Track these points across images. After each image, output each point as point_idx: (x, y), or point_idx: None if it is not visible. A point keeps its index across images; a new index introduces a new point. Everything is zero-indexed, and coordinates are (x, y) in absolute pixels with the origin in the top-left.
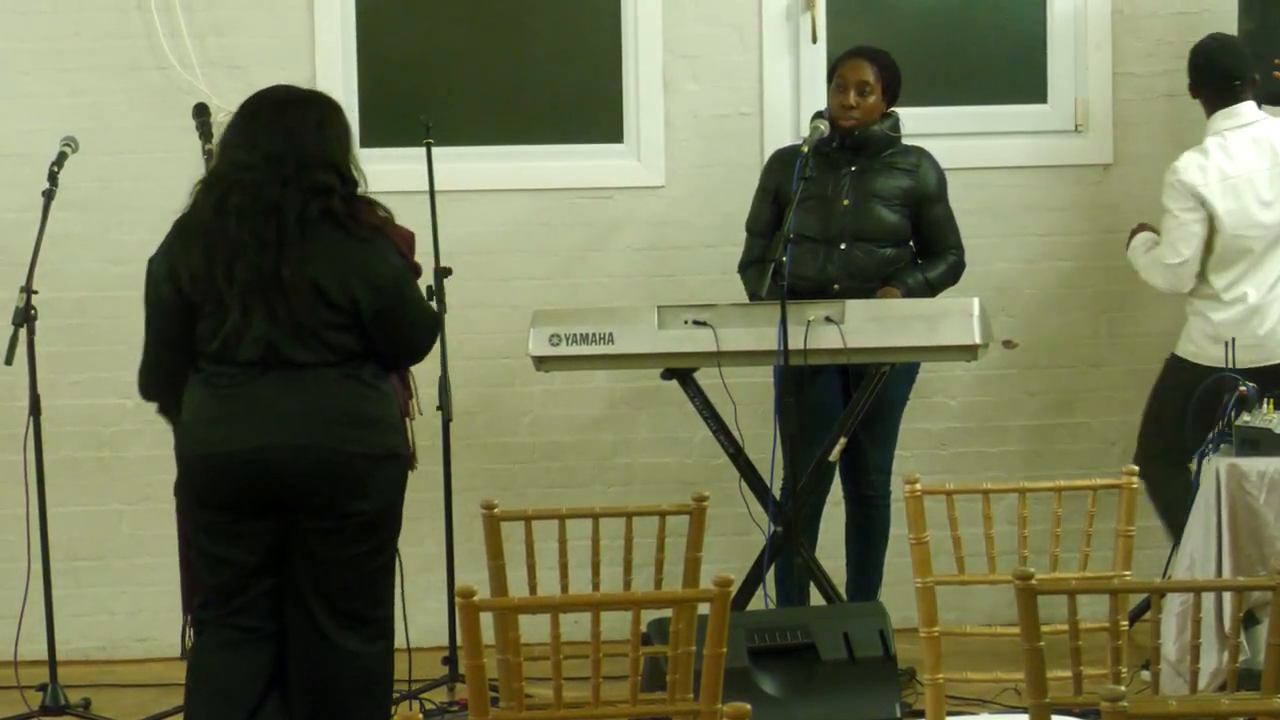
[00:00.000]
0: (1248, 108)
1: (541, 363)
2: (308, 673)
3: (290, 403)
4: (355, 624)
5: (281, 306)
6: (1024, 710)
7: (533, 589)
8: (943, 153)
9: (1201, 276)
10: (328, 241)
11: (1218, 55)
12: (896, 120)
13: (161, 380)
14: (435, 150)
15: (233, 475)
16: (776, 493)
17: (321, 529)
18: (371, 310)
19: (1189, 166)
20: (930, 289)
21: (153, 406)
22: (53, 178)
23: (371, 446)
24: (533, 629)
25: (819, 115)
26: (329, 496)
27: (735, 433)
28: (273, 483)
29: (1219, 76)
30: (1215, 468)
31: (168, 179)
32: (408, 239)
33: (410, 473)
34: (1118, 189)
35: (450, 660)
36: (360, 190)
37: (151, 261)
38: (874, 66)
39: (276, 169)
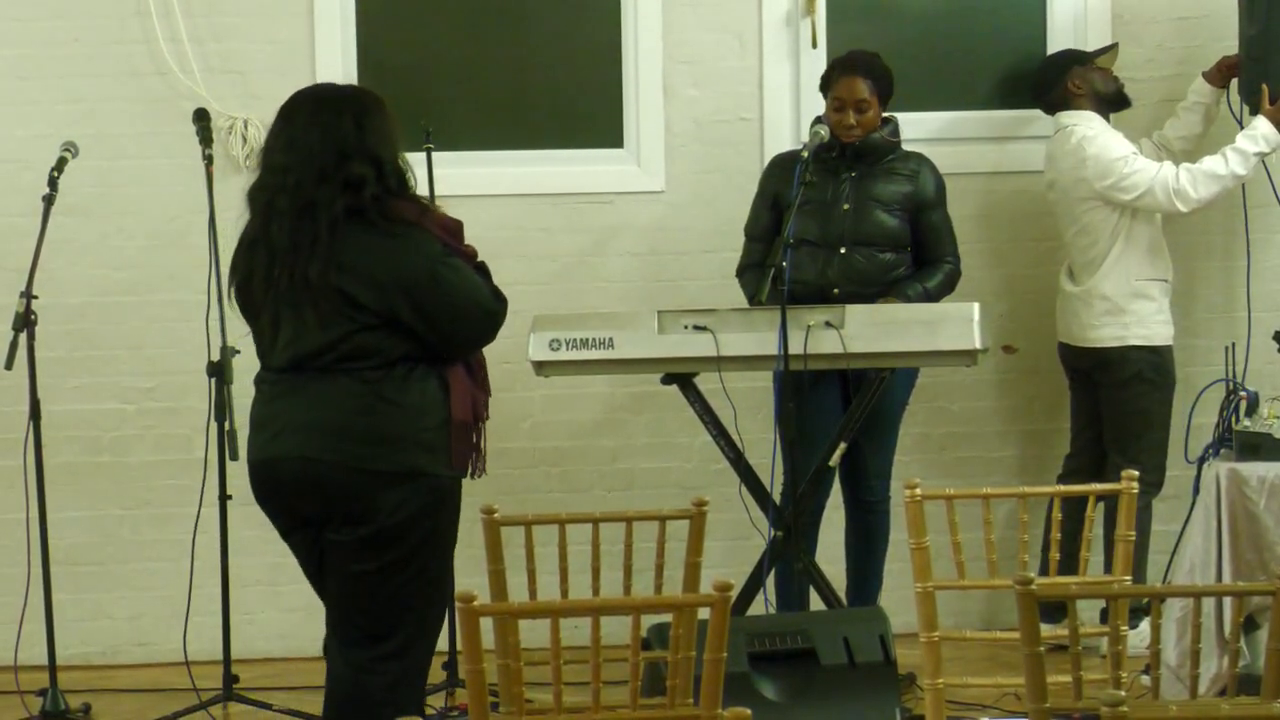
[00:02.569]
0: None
1: (541, 368)
2: (328, 680)
3: (303, 414)
4: (363, 641)
5: (310, 311)
6: (1024, 715)
7: (533, 594)
8: (943, 157)
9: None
10: (355, 241)
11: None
12: (896, 126)
13: None
14: (435, 155)
15: (260, 483)
16: (776, 497)
17: (334, 541)
18: (408, 308)
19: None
20: (929, 299)
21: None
22: (53, 183)
23: (382, 463)
24: (533, 634)
25: (819, 120)
26: (332, 510)
27: (735, 437)
28: (286, 493)
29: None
30: (1215, 472)
31: (168, 184)
32: (449, 227)
33: (475, 478)
34: None
35: (450, 665)
36: (411, 188)
37: None
38: (868, 81)
39: (315, 165)
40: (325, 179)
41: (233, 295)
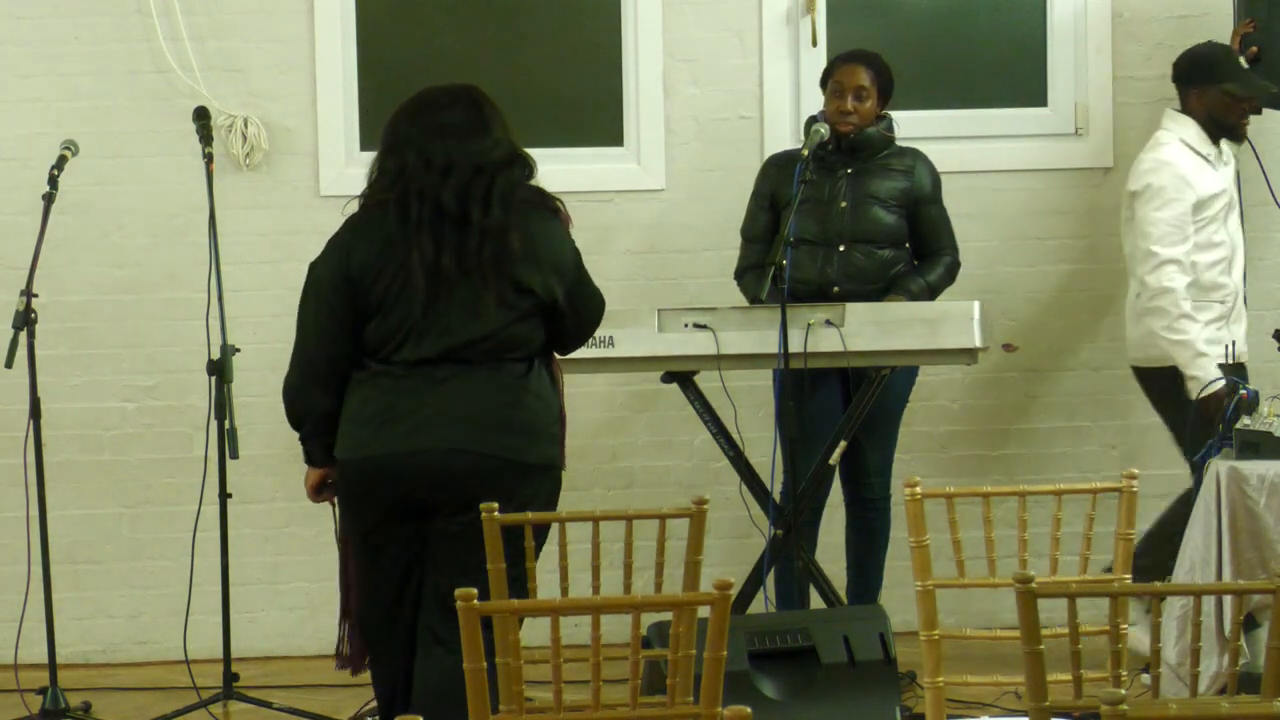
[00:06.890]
0: None
1: None
2: (416, 671)
3: (452, 406)
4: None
5: (486, 295)
6: (1024, 714)
7: (533, 592)
8: (943, 156)
9: None
10: (524, 222)
11: None
12: (891, 122)
13: (318, 390)
14: None
15: (380, 475)
16: (777, 496)
17: (454, 530)
18: (563, 292)
19: None
20: (932, 293)
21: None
22: (53, 181)
23: (529, 455)
24: (533, 632)
25: (814, 119)
26: (455, 498)
27: (735, 436)
28: (413, 483)
29: None
30: (1216, 471)
31: (168, 182)
32: (568, 221)
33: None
34: (1118, 192)
35: None
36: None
37: (315, 266)
38: (869, 71)
39: (472, 142)
40: (511, 163)
41: (349, 275)
